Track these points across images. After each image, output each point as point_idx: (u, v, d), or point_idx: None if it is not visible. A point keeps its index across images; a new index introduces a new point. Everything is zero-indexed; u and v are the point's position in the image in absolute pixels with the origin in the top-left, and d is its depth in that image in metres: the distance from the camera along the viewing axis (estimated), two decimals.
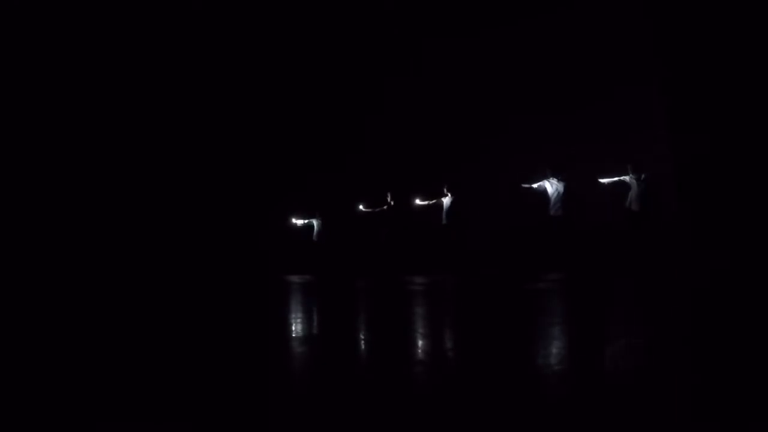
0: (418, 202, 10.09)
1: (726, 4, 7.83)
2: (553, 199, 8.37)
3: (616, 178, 8.17)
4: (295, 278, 10.20)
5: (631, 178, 8.01)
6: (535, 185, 8.52)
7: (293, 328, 4.41)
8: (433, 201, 9.90)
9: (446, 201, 9.68)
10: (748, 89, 7.67)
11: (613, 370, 2.64)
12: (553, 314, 4.81)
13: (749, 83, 7.67)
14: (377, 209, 10.65)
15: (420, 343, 3.60)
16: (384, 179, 10.62)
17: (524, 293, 6.32)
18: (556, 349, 3.11)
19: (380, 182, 10.61)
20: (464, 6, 9.70)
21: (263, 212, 11.96)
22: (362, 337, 3.95)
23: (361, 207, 10.91)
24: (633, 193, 7.99)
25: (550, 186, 8.41)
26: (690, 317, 4.19)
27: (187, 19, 10.88)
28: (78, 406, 2.28)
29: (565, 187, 8.35)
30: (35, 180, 10.73)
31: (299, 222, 11.73)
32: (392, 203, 10.41)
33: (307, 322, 4.88)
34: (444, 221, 9.72)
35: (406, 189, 10.34)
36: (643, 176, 7.97)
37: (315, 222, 11.63)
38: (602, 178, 8.27)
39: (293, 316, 5.39)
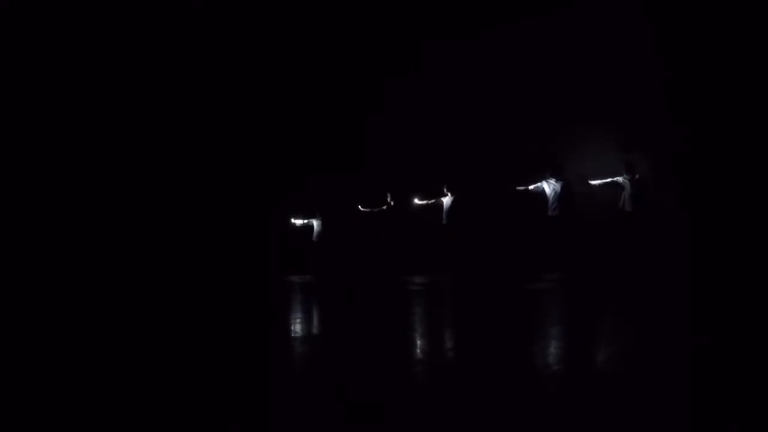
0: (417, 201, 10.07)
1: (726, 4, 7.82)
2: (551, 199, 8.38)
3: (608, 179, 8.15)
4: (295, 278, 10.20)
5: (624, 178, 7.99)
6: (531, 186, 8.51)
7: (292, 328, 4.41)
8: (433, 200, 9.89)
9: (446, 201, 9.67)
10: (749, 89, 7.67)
11: (611, 371, 2.64)
12: (552, 314, 4.81)
13: (750, 83, 7.66)
14: (376, 209, 10.64)
15: (419, 343, 3.60)
16: (384, 179, 10.62)
17: (523, 293, 6.33)
18: (554, 349, 3.12)
19: (380, 182, 10.61)
20: (464, 6, 9.70)
21: (263, 212, 11.96)
22: (361, 337, 3.95)
23: (360, 207, 10.90)
24: (626, 194, 7.95)
25: (548, 186, 8.42)
26: (689, 318, 4.19)
27: (187, 19, 10.88)
28: (77, 405, 2.28)
29: (563, 188, 8.35)
30: (35, 180, 10.73)
31: (299, 222, 11.73)
32: (392, 203, 10.40)
33: (307, 322, 4.89)
34: (444, 221, 9.71)
35: (406, 189, 10.35)
36: (636, 176, 7.95)
37: (315, 222, 11.63)
38: (594, 179, 8.27)
39: (292, 316, 5.40)
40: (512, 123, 9.42)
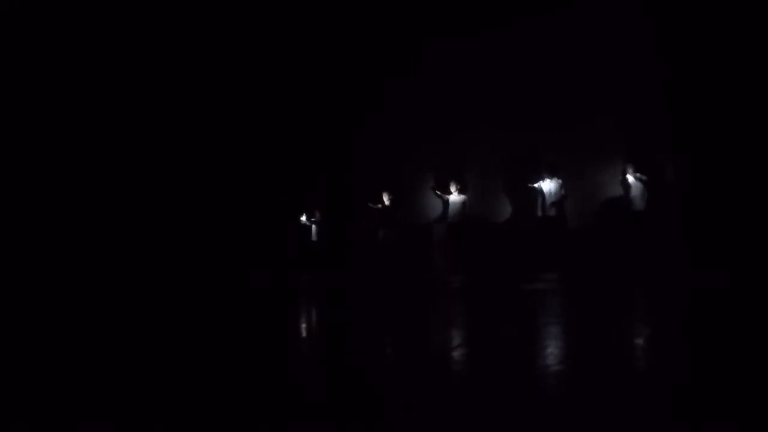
0: (436, 192, 9.93)
1: (726, 4, 7.82)
2: (547, 198, 8.45)
3: (617, 177, 8.20)
4: (294, 278, 10.21)
5: (631, 177, 8.06)
6: (536, 185, 8.59)
7: (290, 328, 4.42)
8: (439, 193, 9.88)
9: (452, 198, 9.63)
10: (750, 89, 7.67)
11: (610, 371, 2.65)
12: (549, 315, 4.82)
13: (750, 83, 7.67)
14: (374, 207, 10.54)
15: (418, 342, 3.60)
16: (383, 179, 10.60)
17: (521, 294, 6.33)
18: (554, 348, 3.12)
19: (379, 182, 10.59)
20: (464, 6, 9.69)
21: (262, 212, 11.95)
22: (359, 337, 3.96)
23: (370, 204, 10.74)
24: (633, 193, 8.06)
25: (545, 186, 8.49)
26: (689, 318, 4.19)
27: (187, 18, 10.88)
28: (79, 404, 2.29)
29: (560, 187, 8.41)
30: (36, 180, 10.74)
31: (302, 220, 11.70)
32: (387, 204, 10.35)
33: (306, 322, 4.89)
34: (447, 220, 9.71)
35: (405, 189, 10.35)
36: (641, 176, 8.01)
37: (315, 222, 11.61)
38: (602, 177, 8.31)
39: (291, 316, 5.40)
40: (512, 123, 9.43)
